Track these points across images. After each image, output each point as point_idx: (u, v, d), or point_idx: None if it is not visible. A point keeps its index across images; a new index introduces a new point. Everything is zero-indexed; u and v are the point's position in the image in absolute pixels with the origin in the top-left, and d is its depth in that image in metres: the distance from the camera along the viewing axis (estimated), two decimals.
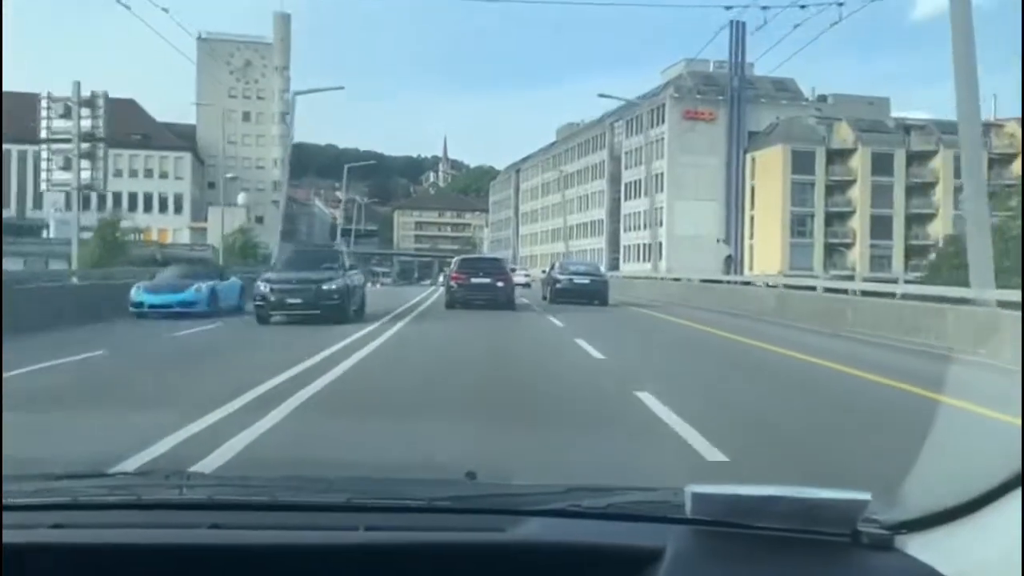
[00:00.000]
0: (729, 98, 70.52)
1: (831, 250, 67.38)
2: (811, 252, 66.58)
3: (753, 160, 69.43)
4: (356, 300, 17.00)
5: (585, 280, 24.45)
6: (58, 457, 4.39)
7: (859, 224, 66.57)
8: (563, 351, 11.78)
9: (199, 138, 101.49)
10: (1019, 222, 31.13)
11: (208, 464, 4.40)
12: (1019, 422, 4.82)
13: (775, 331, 15.73)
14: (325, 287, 15.56)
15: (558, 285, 24.35)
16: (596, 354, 10.93)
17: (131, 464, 4.28)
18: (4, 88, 34.73)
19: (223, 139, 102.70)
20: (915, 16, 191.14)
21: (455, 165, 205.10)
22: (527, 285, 44.87)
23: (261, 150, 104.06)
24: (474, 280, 20.75)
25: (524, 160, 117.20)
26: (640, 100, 55.56)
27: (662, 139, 70.53)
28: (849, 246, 67.27)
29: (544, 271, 35.96)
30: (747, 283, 33.64)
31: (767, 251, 66.15)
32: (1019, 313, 10.89)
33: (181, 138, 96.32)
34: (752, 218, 69.32)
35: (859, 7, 19.03)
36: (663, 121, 70.38)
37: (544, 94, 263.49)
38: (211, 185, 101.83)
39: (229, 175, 70.82)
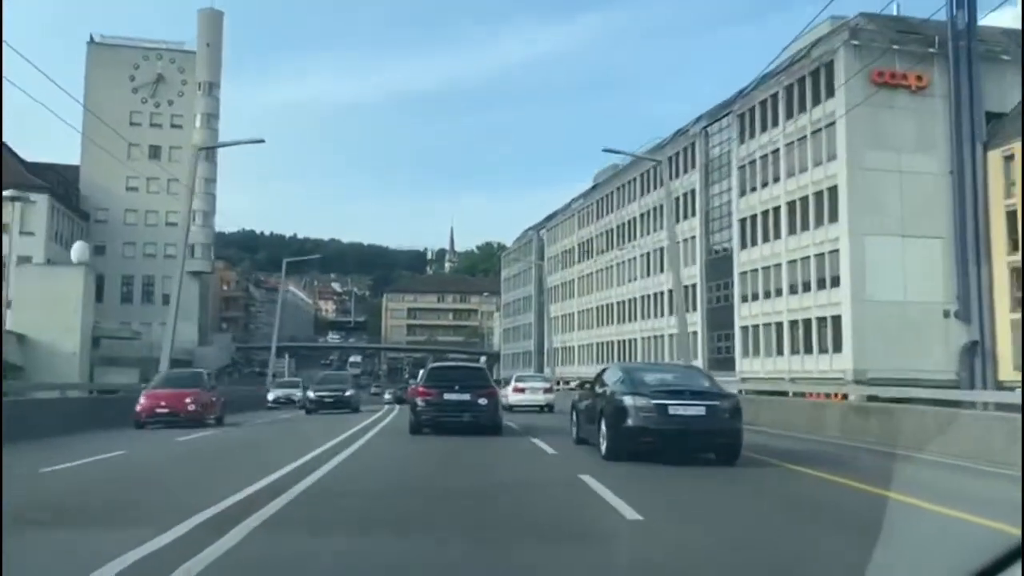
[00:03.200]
0: (952, 52, 38.34)
1: None
2: None
3: (1009, 160, 36.72)
4: None
5: (696, 408, 10.66)
6: None
7: None
8: None
9: (83, 182, 70.15)
10: None
11: None
12: None
13: None
14: None
15: (629, 421, 10.57)
16: None
17: None
18: None
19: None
20: None
21: (463, 257, 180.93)
22: (545, 407, 27.44)
23: (174, 200, 71.16)
24: (448, 396, 15.28)
25: (549, 219, 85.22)
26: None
27: (831, 124, 38.26)
28: None
29: (586, 385, 14.56)
30: None
31: None
32: None
33: (46, 178, 64.71)
34: (1017, 271, 36.13)
35: None
36: (831, 92, 38.19)
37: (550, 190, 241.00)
38: (100, 250, 70.13)
39: (4, 193, 36.72)
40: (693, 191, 50.75)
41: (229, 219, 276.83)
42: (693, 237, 50.35)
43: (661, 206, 55.89)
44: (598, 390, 12.37)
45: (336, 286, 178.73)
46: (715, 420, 10.65)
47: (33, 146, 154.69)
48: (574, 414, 13.87)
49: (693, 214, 50.25)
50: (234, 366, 79.92)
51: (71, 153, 78.55)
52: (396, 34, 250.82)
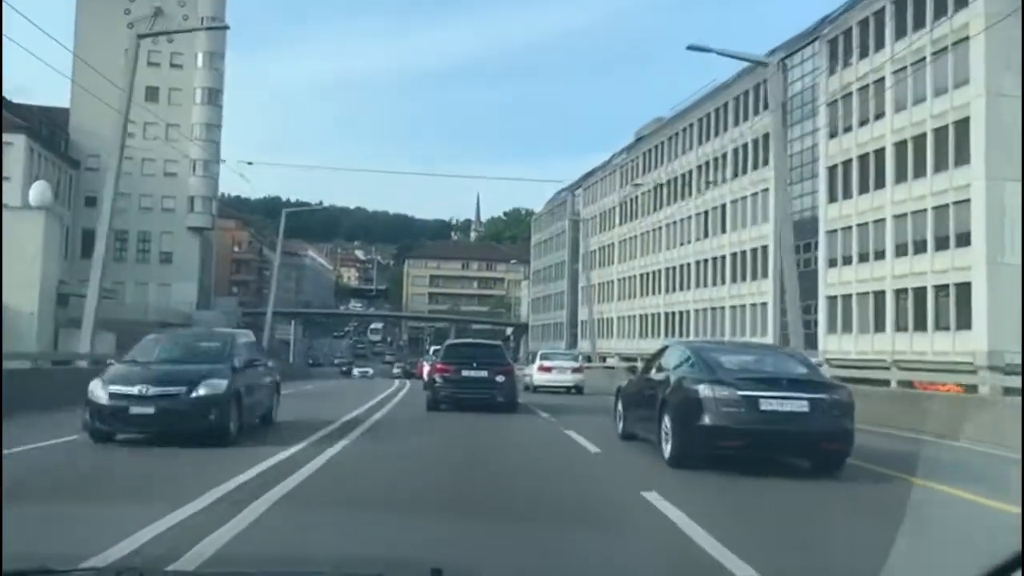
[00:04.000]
0: None
1: None
2: None
3: None
4: None
5: (797, 403, 8.21)
6: None
7: None
8: None
9: (73, 126, 63.71)
10: None
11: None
12: None
13: None
14: None
15: (706, 418, 8.22)
16: None
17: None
18: None
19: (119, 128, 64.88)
20: None
21: (489, 225, 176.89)
22: (573, 388, 25.71)
23: (172, 148, 64.55)
24: (466, 373, 15.88)
25: (586, 177, 77.46)
26: None
27: (960, 42, 30.31)
28: None
29: (637, 366, 14.23)
30: None
31: None
32: None
33: (28, 118, 58.46)
34: None
35: None
36: (963, 2, 30.20)
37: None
38: (91, 201, 63.75)
39: None
40: (766, 135, 42.88)
41: (257, 186, 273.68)
42: (766, 190, 42.60)
43: (724, 155, 48.28)
44: (656, 375, 10.41)
45: (360, 254, 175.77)
46: (821, 419, 8.36)
47: (25, 85, 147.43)
48: (620, 403, 11.95)
49: (766, 163, 42.44)
50: None
51: (64, 93, 71.92)
52: (428, 2, 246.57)
